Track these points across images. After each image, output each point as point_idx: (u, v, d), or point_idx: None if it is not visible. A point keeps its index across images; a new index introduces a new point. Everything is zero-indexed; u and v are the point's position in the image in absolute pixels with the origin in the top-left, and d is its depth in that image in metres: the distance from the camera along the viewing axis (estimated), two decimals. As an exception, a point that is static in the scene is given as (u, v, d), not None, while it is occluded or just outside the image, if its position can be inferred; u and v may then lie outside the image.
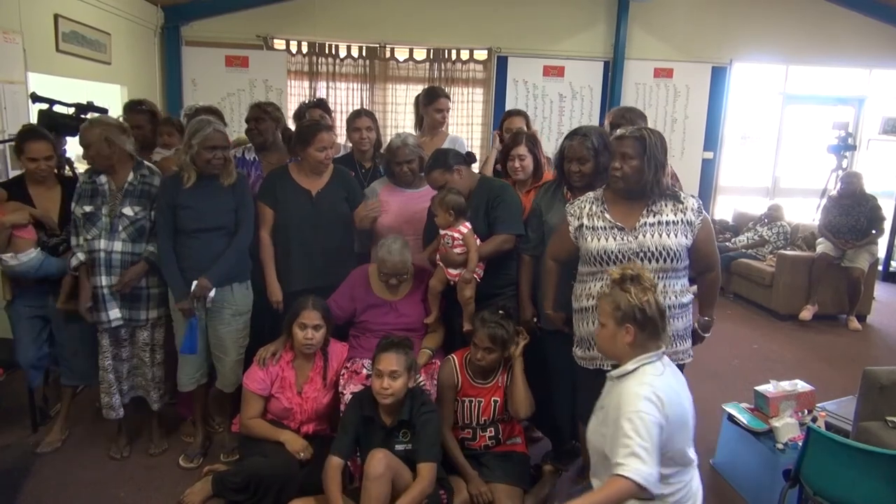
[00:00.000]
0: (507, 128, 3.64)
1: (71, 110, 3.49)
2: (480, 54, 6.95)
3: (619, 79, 7.01)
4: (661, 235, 2.38)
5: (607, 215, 2.46)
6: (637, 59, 7.04)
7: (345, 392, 2.80)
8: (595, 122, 6.92)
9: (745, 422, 3.01)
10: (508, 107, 6.25)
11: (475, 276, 2.89)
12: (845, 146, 6.85)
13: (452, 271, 2.90)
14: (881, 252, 5.90)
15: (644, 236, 2.39)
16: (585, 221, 2.50)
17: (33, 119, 3.46)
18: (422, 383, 2.82)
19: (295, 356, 2.86)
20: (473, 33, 6.88)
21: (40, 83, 4.15)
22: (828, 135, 7.06)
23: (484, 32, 6.88)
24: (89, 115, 3.47)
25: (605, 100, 7.09)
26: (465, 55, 6.92)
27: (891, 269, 7.19)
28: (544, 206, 2.90)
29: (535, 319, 2.92)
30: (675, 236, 2.39)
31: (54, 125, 3.36)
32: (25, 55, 4.08)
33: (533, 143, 3.21)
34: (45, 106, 3.45)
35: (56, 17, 4.53)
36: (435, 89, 3.95)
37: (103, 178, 2.93)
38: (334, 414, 2.86)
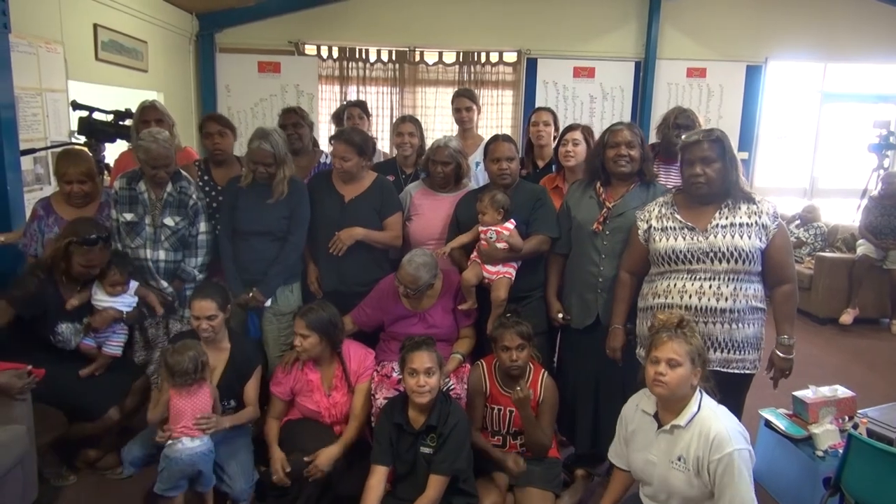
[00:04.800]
0: (535, 121, 3.68)
1: (110, 117, 3.58)
2: (510, 56, 6.94)
3: (650, 79, 6.92)
4: (733, 237, 2.32)
5: (678, 216, 2.42)
6: (669, 59, 6.95)
7: (377, 396, 2.81)
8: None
9: (784, 428, 2.94)
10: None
11: (509, 276, 2.90)
12: (887, 145, 6.67)
13: (491, 269, 2.89)
14: (925, 254, 5.72)
15: (715, 237, 2.34)
16: (654, 223, 2.47)
17: (73, 126, 3.55)
18: (451, 385, 2.82)
19: (316, 360, 2.85)
20: (502, 35, 6.87)
21: (80, 91, 4.26)
22: (868, 133, 6.86)
23: (513, 34, 6.86)
24: (127, 122, 3.57)
25: (637, 101, 7.01)
26: (494, 57, 6.92)
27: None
28: (573, 203, 2.90)
29: (560, 315, 2.91)
30: (749, 238, 2.32)
31: (93, 132, 3.46)
32: (66, 64, 4.19)
33: (589, 133, 3.25)
34: (84, 113, 3.55)
35: (95, 26, 4.65)
36: (459, 91, 4.06)
37: (143, 187, 2.99)
38: (366, 416, 2.85)
